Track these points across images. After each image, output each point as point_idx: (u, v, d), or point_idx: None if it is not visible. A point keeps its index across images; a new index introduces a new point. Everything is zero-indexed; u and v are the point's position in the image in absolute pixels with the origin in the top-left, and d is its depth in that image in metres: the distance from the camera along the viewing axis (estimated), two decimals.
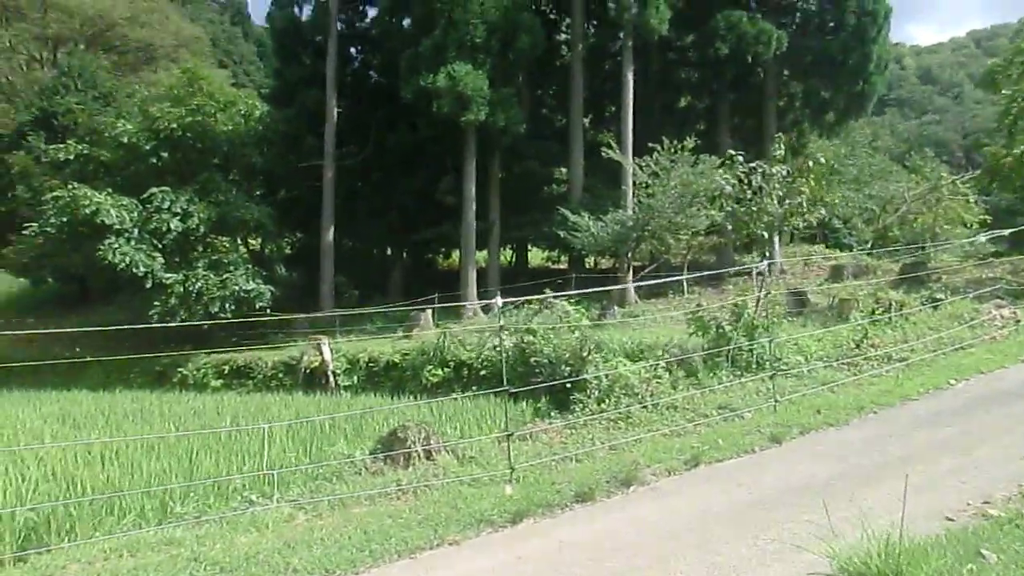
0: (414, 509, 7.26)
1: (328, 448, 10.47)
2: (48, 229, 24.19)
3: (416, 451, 8.34)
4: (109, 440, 11.78)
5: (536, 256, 40.89)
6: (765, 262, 13.34)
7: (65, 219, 23.60)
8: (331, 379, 21.33)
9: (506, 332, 13.05)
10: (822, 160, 16.68)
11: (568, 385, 11.31)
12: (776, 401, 10.69)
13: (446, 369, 18.87)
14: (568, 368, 11.74)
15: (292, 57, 33.39)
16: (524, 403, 12.41)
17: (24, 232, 25.93)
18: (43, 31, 48.13)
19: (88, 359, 22.56)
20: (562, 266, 35.63)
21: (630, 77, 28.13)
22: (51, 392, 21.89)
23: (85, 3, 47.48)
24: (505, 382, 8.69)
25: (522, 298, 14.32)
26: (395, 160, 31.56)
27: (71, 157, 27.19)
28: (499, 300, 8.46)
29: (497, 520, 7.01)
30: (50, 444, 11.66)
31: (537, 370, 12.22)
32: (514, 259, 39.63)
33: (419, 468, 8.22)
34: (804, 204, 15.45)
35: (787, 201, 15.69)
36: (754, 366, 12.47)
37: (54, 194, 24.10)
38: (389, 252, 36.84)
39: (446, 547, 6.53)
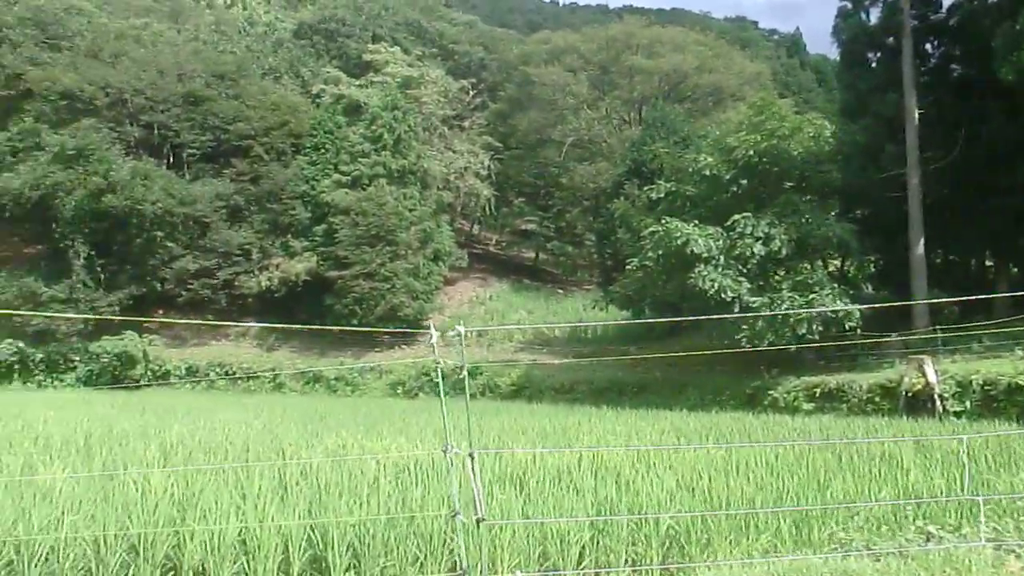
0: None
1: (990, 477, 8.85)
2: (646, 263, 27.09)
3: None
4: (739, 446, 11.45)
5: None
6: None
7: (660, 252, 26.12)
8: (937, 403, 19.17)
9: None
10: None
11: None
12: None
13: None
14: None
15: (862, 65, 31.88)
16: None
17: (628, 267, 29.50)
18: (630, 94, 55.40)
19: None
20: None
21: None
22: (656, 411, 23.90)
23: (661, 62, 53.09)
24: None
25: None
26: (990, 157, 27.36)
27: (661, 196, 30.10)
28: None
29: None
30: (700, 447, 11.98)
31: None
32: None
33: None
34: None
35: None
36: None
37: (650, 229, 26.92)
38: (989, 263, 32.13)
39: None
